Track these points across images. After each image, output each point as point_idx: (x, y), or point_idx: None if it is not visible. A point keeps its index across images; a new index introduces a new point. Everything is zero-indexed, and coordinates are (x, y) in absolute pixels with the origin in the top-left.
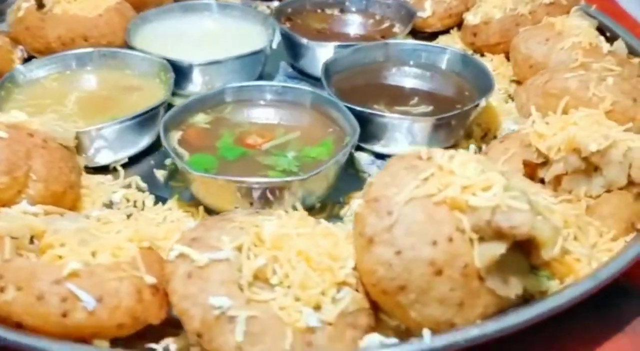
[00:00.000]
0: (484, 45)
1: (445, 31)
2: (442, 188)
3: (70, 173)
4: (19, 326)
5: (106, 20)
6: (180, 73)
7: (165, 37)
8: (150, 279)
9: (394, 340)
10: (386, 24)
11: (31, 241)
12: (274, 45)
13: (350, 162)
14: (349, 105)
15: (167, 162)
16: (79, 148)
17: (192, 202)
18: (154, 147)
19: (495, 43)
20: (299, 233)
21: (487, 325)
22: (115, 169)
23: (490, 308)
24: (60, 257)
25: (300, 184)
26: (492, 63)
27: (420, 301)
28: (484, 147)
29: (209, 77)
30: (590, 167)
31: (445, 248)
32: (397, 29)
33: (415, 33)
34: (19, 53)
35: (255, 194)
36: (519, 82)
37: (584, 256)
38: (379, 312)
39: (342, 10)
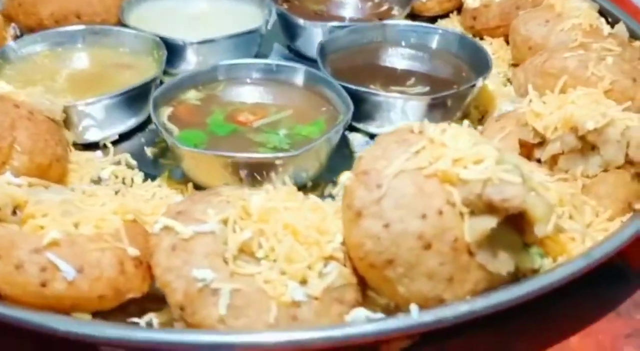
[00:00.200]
0: (484, 29)
1: (445, 15)
2: (432, 161)
3: (57, 146)
4: None
5: None
6: (174, 51)
7: (159, 15)
8: (133, 251)
9: (380, 315)
10: (384, 7)
11: (14, 213)
12: (270, 26)
13: (345, 142)
14: (343, 84)
15: (158, 139)
16: (68, 124)
17: (182, 180)
18: (145, 124)
19: (495, 26)
20: (286, 207)
21: (477, 301)
22: (105, 146)
23: (480, 284)
24: (41, 227)
25: (290, 161)
26: (491, 46)
27: (409, 275)
28: (480, 129)
29: (203, 57)
30: (587, 146)
31: (435, 221)
32: (395, 11)
33: (414, 17)
34: (11, 30)
35: (245, 170)
36: (517, 66)
37: (579, 234)
38: (368, 289)
39: None
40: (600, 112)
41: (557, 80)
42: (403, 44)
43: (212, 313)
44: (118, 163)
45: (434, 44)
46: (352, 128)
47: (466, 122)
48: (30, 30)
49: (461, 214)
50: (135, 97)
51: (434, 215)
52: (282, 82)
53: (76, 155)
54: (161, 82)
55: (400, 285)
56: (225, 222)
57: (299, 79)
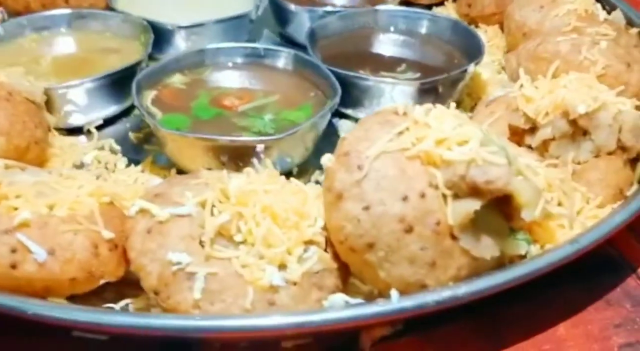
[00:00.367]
0: (479, 16)
1: (440, 3)
2: (416, 143)
3: (36, 129)
4: None
5: None
6: (162, 36)
7: (149, 0)
8: (108, 234)
9: (359, 300)
10: None
11: None
12: (260, 12)
13: (334, 129)
14: (332, 69)
15: (143, 125)
16: (50, 108)
17: (166, 165)
18: (131, 110)
19: (490, 13)
20: (266, 190)
21: (460, 287)
22: (89, 131)
23: (464, 270)
24: (15, 209)
25: (274, 145)
26: (486, 34)
27: (390, 260)
28: (470, 115)
29: (192, 42)
30: (578, 131)
31: (417, 204)
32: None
33: (409, 5)
34: None
35: (227, 155)
36: None
37: (568, 221)
38: (351, 277)
39: None
40: (592, 96)
41: (549, 65)
42: (395, 30)
43: (187, 297)
44: (102, 148)
45: (426, 30)
46: (341, 115)
47: (453, 104)
48: (18, 13)
49: (444, 197)
50: (120, 82)
51: (415, 197)
52: (270, 66)
53: (59, 140)
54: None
55: (381, 269)
56: (203, 204)
57: (287, 64)
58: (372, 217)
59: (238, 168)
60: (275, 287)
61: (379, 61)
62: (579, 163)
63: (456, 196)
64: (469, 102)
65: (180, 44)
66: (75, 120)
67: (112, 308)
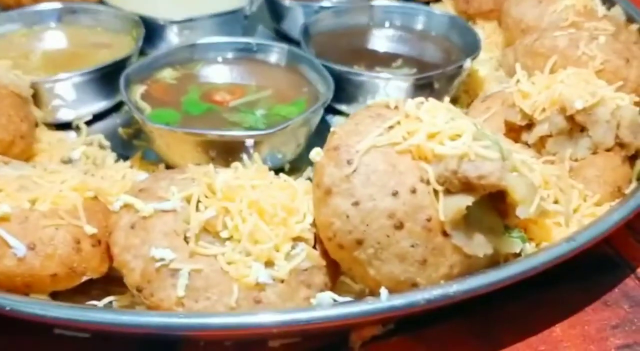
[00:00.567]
0: (477, 13)
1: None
2: (407, 137)
3: (21, 123)
4: None
5: None
6: (154, 31)
7: None
8: (91, 229)
9: (347, 299)
10: None
11: None
12: (255, 8)
13: (328, 126)
14: (326, 64)
15: (133, 120)
16: (38, 102)
17: (155, 161)
18: (121, 106)
19: (488, 10)
20: (253, 185)
21: (452, 286)
22: (78, 127)
23: (456, 268)
24: None
25: (264, 140)
26: (483, 31)
27: (379, 257)
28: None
29: (185, 37)
30: (576, 127)
31: (407, 199)
32: None
33: (406, 0)
34: None
35: (216, 150)
36: None
37: (564, 219)
38: (341, 275)
39: None
40: (589, 91)
41: (547, 60)
42: (391, 25)
43: (170, 294)
44: (90, 144)
45: (422, 26)
46: (336, 112)
47: (447, 98)
48: (8, 7)
49: (435, 192)
50: (109, 76)
51: (406, 193)
52: (263, 61)
53: (48, 135)
54: None
55: (371, 267)
56: (188, 199)
57: (280, 59)
58: (361, 213)
59: (228, 165)
60: (261, 285)
61: (374, 57)
62: (576, 160)
63: (448, 191)
64: (465, 99)
65: (173, 39)
66: (64, 115)
67: (94, 305)
